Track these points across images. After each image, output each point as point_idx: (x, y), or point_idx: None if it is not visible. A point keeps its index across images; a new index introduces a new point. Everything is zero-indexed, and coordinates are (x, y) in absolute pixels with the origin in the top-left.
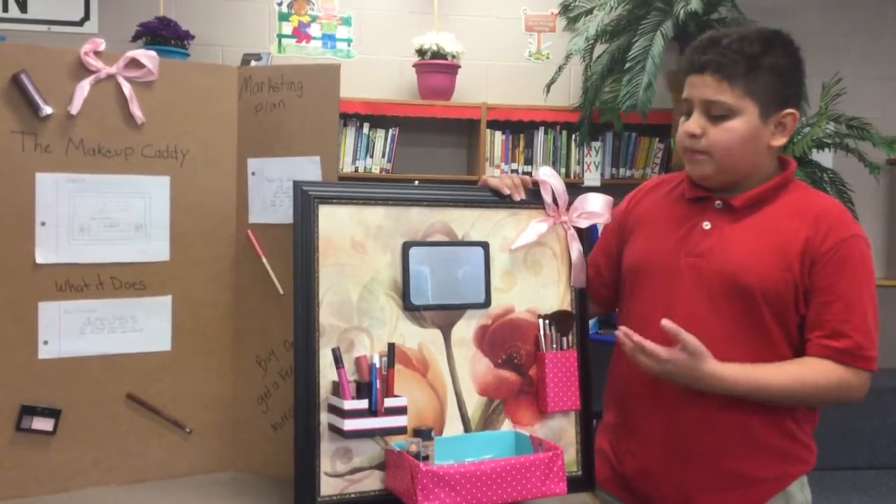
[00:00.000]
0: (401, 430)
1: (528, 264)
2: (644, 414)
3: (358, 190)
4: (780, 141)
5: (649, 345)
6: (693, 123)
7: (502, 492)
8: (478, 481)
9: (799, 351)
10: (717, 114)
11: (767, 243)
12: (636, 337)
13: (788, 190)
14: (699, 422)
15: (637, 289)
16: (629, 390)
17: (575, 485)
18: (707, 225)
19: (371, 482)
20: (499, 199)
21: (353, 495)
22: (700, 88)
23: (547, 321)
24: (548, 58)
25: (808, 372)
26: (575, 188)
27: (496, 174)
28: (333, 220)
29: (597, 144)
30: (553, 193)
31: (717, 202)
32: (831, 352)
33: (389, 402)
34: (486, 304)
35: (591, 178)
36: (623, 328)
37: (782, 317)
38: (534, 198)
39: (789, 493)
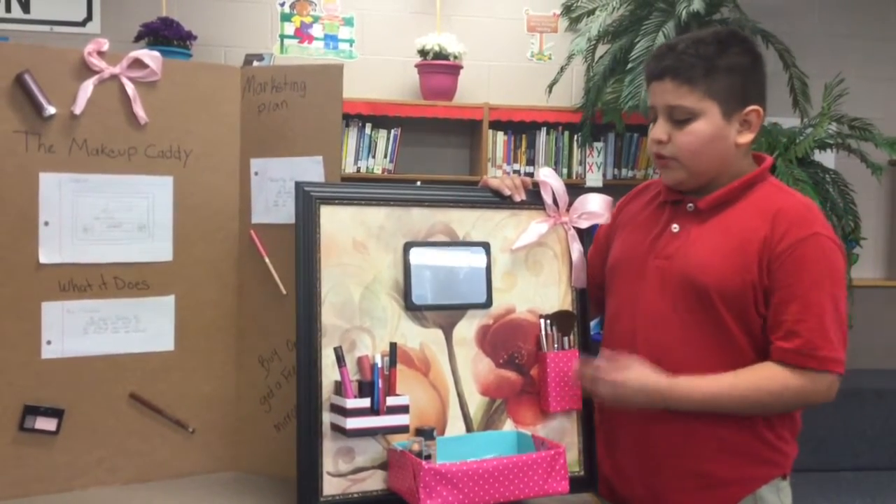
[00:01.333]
0: (403, 429)
1: (529, 265)
2: (618, 414)
3: (359, 191)
4: (746, 138)
5: (598, 374)
6: (658, 130)
7: (504, 490)
8: (480, 479)
9: (764, 353)
10: (679, 118)
11: (727, 244)
12: (588, 370)
13: (757, 189)
14: (668, 422)
15: (611, 289)
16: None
17: (577, 484)
18: (675, 227)
19: (373, 482)
20: (499, 200)
21: (355, 495)
22: (661, 95)
23: (548, 321)
24: (550, 58)
25: (760, 379)
26: (577, 189)
27: (498, 175)
28: (335, 221)
29: (599, 145)
30: (553, 194)
31: (689, 204)
32: (783, 354)
33: (391, 401)
34: (488, 304)
35: (593, 178)
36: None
37: (743, 318)
38: (534, 198)
39: (759, 497)
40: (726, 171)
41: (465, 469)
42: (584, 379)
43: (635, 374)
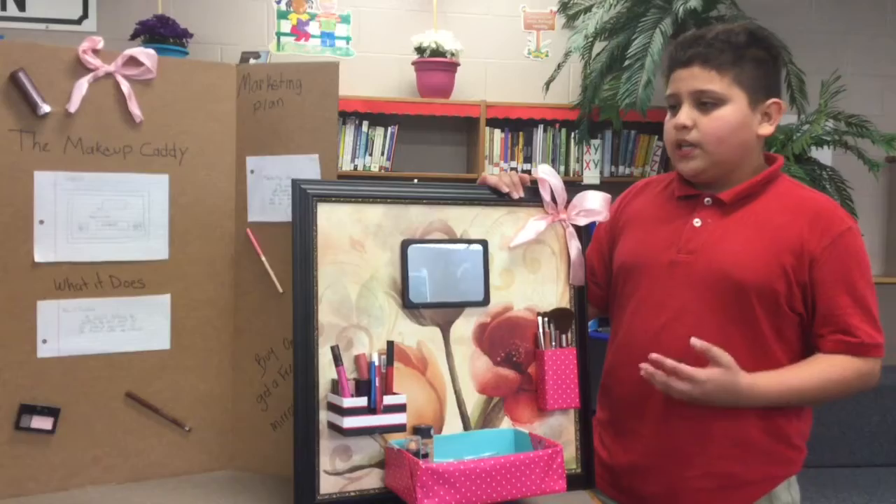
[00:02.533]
0: (400, 428)
1: (527, 262)
2: (635, 416)
3: (357, 188)
4: (767, 130)
5: (686, 369)
6: (684, 115)
7: (502, 489)
8: (477, 478)
9: (788, 351)
10: (707, 101)
11: (759, 238)
12: (670, 363)
13: (776, 184)
14: (690, 424)
15: (628, 288)
16: (621, 397)
17: (574, 482)
18: (698, 222)
19: (370, 480)
20: (497, 198)
21: (352, 493)
22: (688, 81)
23: (546, 319)
24: (547, 55)
25: (831, 369)
26: (574, 186)
27: (495, 172)
28: (332, 219)
29: (596, 142)
30: (552, 191)
31: (707, 199)
32: (846, 346)
33: (388, 400)
34: (485, 301)
35: (591, 175)
36: (654, 356)
37: (774, 313)
38: (532, 196)
39: (774, 496)
40: (745, 163)
41: (462, 468)
42: (656, 379)
43: (718, 372)
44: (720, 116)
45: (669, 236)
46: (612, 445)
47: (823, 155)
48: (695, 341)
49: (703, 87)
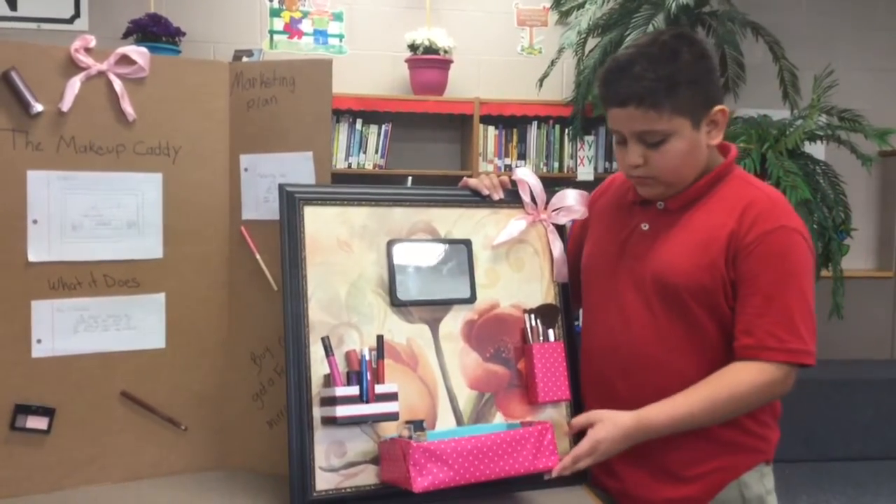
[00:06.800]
0: (393, 417)
1: (511, 261)
2: (599, 407)
3: (342, 191)
4: (716, 139)
5: (575, 452)
6: (633, 155)
7: (494, 465)
8: (469, 455)
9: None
10: (653, 141)
11: (692, 241)
12: (567, 461)
13: (725, 182)
14: None
15: (587, 289)
16: (587, 391)
17: (570, 476)
18: (645, 226)
19: (365, 476)
20: (479, 199)
21: (348, 490)
22: (628, 122)
23: (532, 315)
24: (540, 52)
25: (720, 385)
26: (568, 182)
27: (489, 169)
28: (319, 221)
29: (590, 138)
30: (531, 192)
31: (659, 203)
32: (744, 350)
33: (380, 389)
34: (472, 299)
35: (585, 172)
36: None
37: (716, 313)
38: (513, 197)
39: (743, 483)
40: (701, 172)
41: (454, 446)
42: (566, 469)
43: (599, 429)
44: (668, 150)
45: (621, 241)
46: None
47: (816, 150)
48: (573, 423)
49: (645, 127)
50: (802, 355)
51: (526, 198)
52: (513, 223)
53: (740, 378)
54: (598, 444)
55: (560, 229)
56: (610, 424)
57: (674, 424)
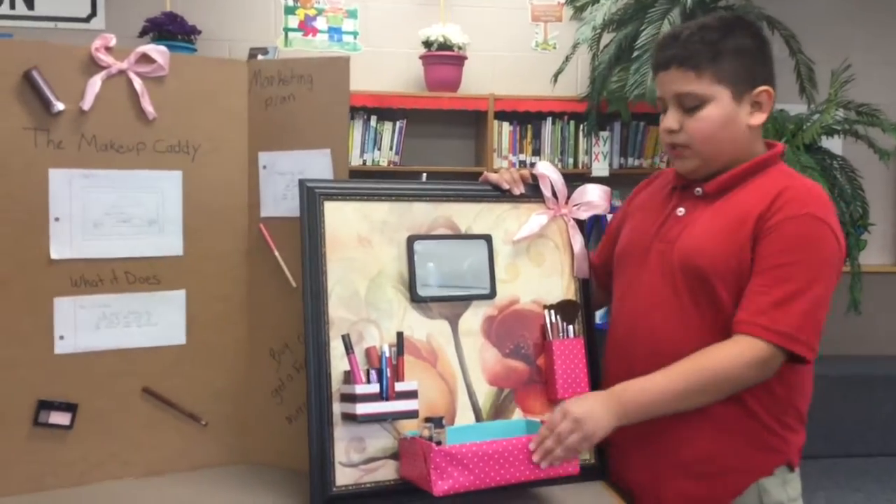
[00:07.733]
0: (412, 414)
1: (532, 256)
2: None
3: (362, 186)
4: (758, 119)
5: (557, 429)
6: (669, 119)
7: (515, 470)
8: (490, 460)
9: None
10: (690, 105)
11: (723, 224)
12: (538, 436)
13: (766, 173)
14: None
15: (618, 277)
16: (610, 378)
17: (588, 473)
18: (681, 211)
19: (385, 472)
20: (500, 194)
21: (368, 485)
22: (669, 84)
23: (552, 311)
24: (554, 48)
25: (702, 357)
26: (583, 178)
27: (504, 165)
28: (339, 217)
29: (605, 134)
30: (552, 187)
31: (697, 189)
32: (736, 323)
33: (400, 387)
34: (492, 294)
35: (600, 168)
36: (532, 445)
37: (740, 296)
38: (534, 192)
39: (763, 488)
40: (740, 155)
41: (476, 450)
42: (547, 459)
43: (573, 402)
44: (704, 116)
45: (657, 226)
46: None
47: (834, 144)
48: (531, 446)
49: (683, 89)
50: (793, 342)
51: (547, 192)
52: (534, 218)
53: (723, 352)
54: (566, 413)
55: (580, 224)
56: (587, 396)
57: (652, 389)
